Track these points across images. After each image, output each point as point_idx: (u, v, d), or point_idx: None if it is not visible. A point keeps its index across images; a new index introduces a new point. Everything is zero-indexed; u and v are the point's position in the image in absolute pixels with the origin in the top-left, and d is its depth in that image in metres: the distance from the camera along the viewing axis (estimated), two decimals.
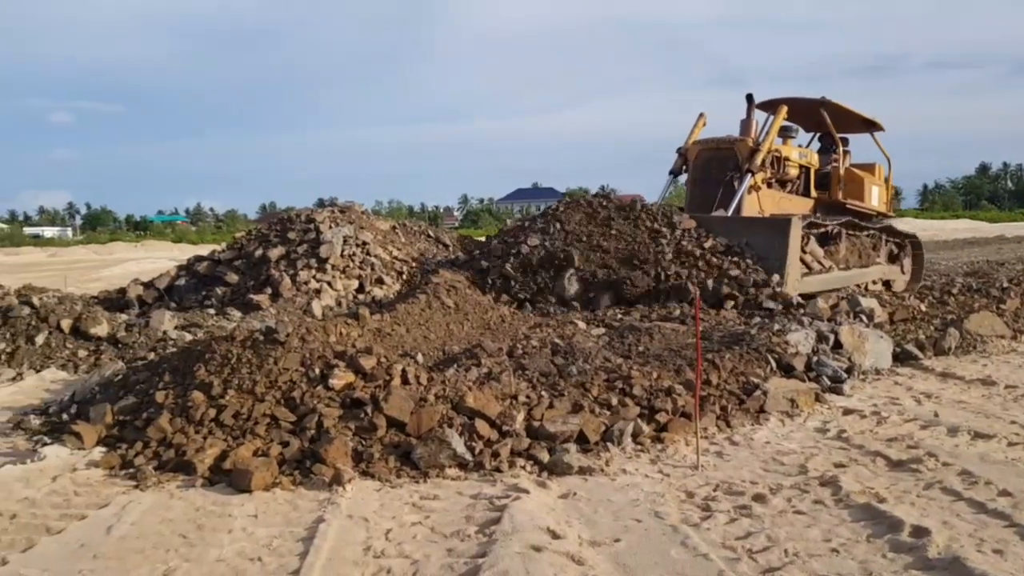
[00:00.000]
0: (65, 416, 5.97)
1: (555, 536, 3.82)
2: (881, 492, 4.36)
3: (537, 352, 6.70)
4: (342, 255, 11.23)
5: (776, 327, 7.86)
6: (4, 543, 3.89)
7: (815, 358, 7.17)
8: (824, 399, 6.46)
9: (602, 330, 8.50)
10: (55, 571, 3.55)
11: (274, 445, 4.95)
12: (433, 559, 3.65)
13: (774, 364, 6.84)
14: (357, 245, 11.53)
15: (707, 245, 10.50)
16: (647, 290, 10.09)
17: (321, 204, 14.18)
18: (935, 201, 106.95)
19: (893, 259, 13.94)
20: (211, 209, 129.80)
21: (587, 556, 3.63)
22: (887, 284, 13.35)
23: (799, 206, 13.43)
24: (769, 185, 12.86)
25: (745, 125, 12.88)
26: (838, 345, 7.60)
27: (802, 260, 10.82)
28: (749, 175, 11.97)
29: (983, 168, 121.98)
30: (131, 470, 4.90)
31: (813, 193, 14.01)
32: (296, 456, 4.86)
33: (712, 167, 12.60)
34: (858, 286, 12.14)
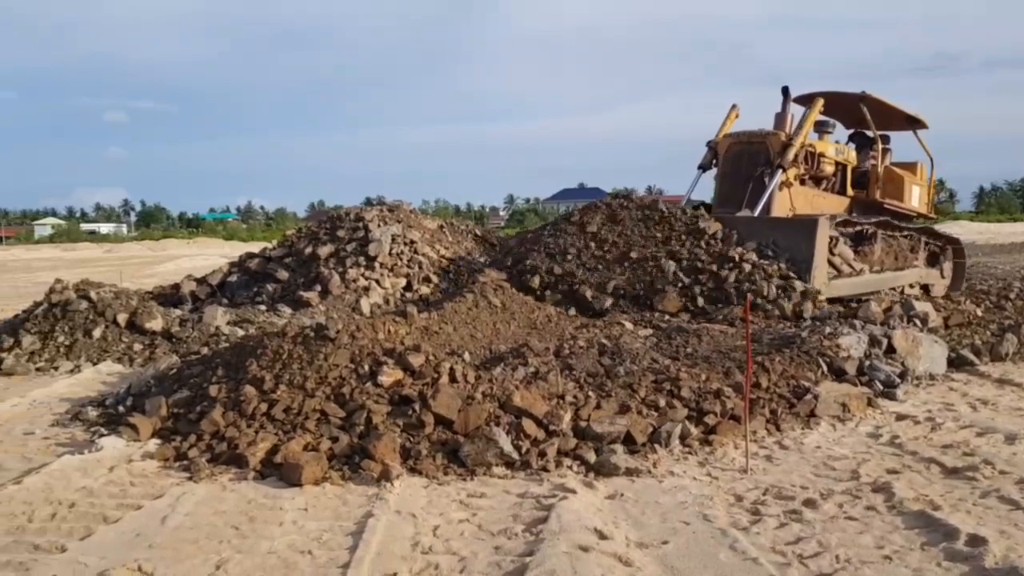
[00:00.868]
0: (121, 408, 6.11)
1: (602, 536, 3.81)
2: (936, 499, 4.27)
3: (584, 352, 6.69)
4: (390, 253, 11.31)
5: (828, 330, 7.74)
6: (63, 531, 3.99)
7: (867, 362, 7.06)
8: (876, 404, 6.35)
9: (649, 331, 8.45)
10: (112, 559, 3.63)
11: (324, 440, 5.01)
12: (480, 556, 3.67)
13: (825, 368, 6.75)
14: (405, 244, 11.60)
15: (738, 251, 10.08)
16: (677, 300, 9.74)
17: (369, 203, 14.29)
18: (991, 204, 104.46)
19: (933, 262, 13.33)
20: (261, 207, 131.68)
21: (634, 557, 3.61)
22: (925, 288, 12.73)
23: (833, 205, 12.96)
24: (802, 182, 12.37)
25: (779, 118, 12.38)
26: (891, 349, 7.46)
27: (830, 262, 10.40)
28: (780, 171, 11.51)
29: None
30: (185, 462, 5.00)
31: (850, 192, 13.46)
32: (345, 451, 4.91)
33: (743, 161, 12.15)
34: (892, 289, 11.59)
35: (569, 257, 10.72)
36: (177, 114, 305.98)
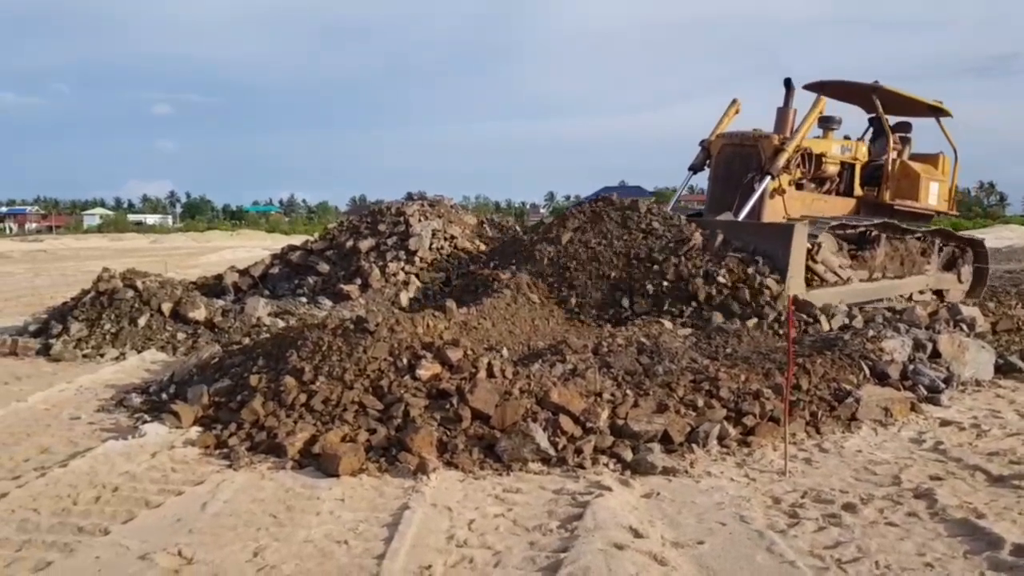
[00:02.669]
0: (164, 396, 6.21)
1: (637, 535, 3.79)
2: (980, 507, 4.18)
3: (623, 350, 6.66)
4: (430, 248, 11.37)
5: (871, 333, 7.62)
6: (107, 514, 4.07)
7: (911, 366, 6.93)
8: (920, 409, 6.23)
9: (688, 330, 8.39)
10: (153, 543, 3.70)
11: (361, 432, 5.05)
12: (515, 551, 3.67)
13: (868, 371, 6.64)
14: (445, 239, 11.64)
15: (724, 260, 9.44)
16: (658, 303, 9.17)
17: (410, 197, 14.28)
18: None
19: (950, 266, 12.56)
20: (303, 200, 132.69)
21: (670, 557, 3.59)
22: (939, 294, 12.03)
23: (836, 207, 12.04)
24: (799, 186, 11.56)
25: (781, 116, 11.49)
26: (936, 354, 7.32)
27: (813, 270, 9.75)
28: (768, 178, 10.73)
29: None
30: (225, 450, 5.08)
31: (857, 191, 12.45)
32: (383, 443, 4.95)
33: (734, 165, 11.30)
34: (902, 297, 10.99)
35: (546, 263, 10.01)
36: (223, 107, 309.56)
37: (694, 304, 8.98)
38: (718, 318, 8.68)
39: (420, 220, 11.82)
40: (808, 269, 9.66)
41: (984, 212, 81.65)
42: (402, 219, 11.89)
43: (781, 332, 8.09)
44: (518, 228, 13.18)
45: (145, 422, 5.62)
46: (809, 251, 9.64)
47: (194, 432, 5.41)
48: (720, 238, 9.71)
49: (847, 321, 8.81)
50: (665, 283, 9.27)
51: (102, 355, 8.21)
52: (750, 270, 9.16)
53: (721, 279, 9.10)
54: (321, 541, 3.77)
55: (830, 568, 3.51)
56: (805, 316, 8.81)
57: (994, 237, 39.69)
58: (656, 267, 9.49)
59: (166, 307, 9.01)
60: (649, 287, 9.28)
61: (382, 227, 11.83)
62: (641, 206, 10.61)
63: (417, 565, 3.51)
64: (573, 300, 9.43)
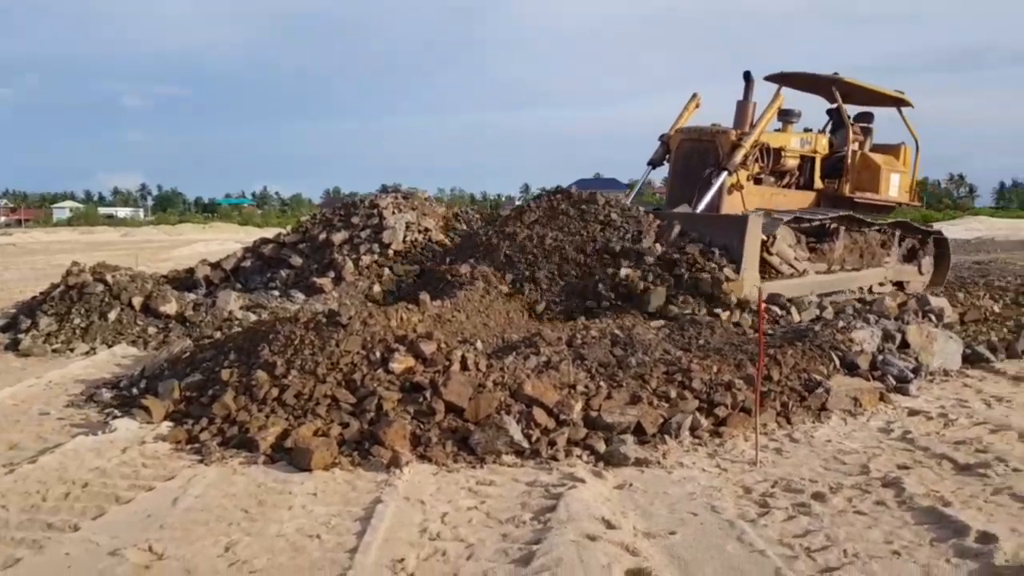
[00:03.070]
0: (135, 390, 6.16)
1: (610, 526, 3.82)
2: (946, 496, 4.25)
3: (596, 342, 6.68)
4: (404, 241, 11.34)
5: (841, 324, 7.70)
6: (76, 510, 4.03)
7: (880, 357, 7.02)
8: (889, 399, 6.32)
9: (662, 322, 8.43)
10: (123, 539, 3.67)
11: (334, 426, 5.03)
12: (488, 543, 3.68)
13: (837, 362, 6.71)
14: (419, 231, 11.62)
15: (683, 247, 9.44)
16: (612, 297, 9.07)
17: (384, 190, 14.24)
18: (1011, 199, 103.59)
19: (911, 258, 12.62)
20: (276, 193, 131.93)
21: (642, 547, 3.62)
22: (900, 286, 12.06)
23: (796, 201, 12.02)
24: (758, 181, 11.57)
25: (741, 109, 11.50)
26: (905, 344, 7.41)
27: (768, 262, 9.78)
28: (725, 173, 10.70)
29: None
30: (196, 445, 5.04)
31: (818, 184, 12.45)
32: (355, 437, 4.93)
33: (693, 160, 11.25)
34: (861, 289, 11.05)
35: (503, 258, 9.91)
36: (195, 99, 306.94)
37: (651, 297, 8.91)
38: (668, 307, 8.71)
39: (394, 213, 11.79)
40: (763, 261, 9.66)
41: (954, 204, 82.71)
42: (376, 212, 11.85)
43: (750, 325, 8.16)
44: (476, 220, 12.85)
45: (115, 417, 5.57)
46: (764, 243, 9.65)
47: (165, 427, 5.37)
48: (677, 229, 9.71)
49: (818, 312, 8.91)
50: (622, 277, 9.20)
51: (72, 350, 8.13)
52: (710, 264, 9.15)
53: (681, 269, 9.12)
54: (293, 535, 3.76)
55: (799, 557, 3.55)
56: (777, 309, 8.89)
57: (963, 229, 40.25)
58: (614, 260, 9.47)
59: (137, 301, 8.93)
60: (608, 281, 9.21)
61: (355, 220, 11.79)
62: (599, 198, 10.56)
63: (390, 559, 3.51)
64: (535, 295, 9.38)
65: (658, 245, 9.47)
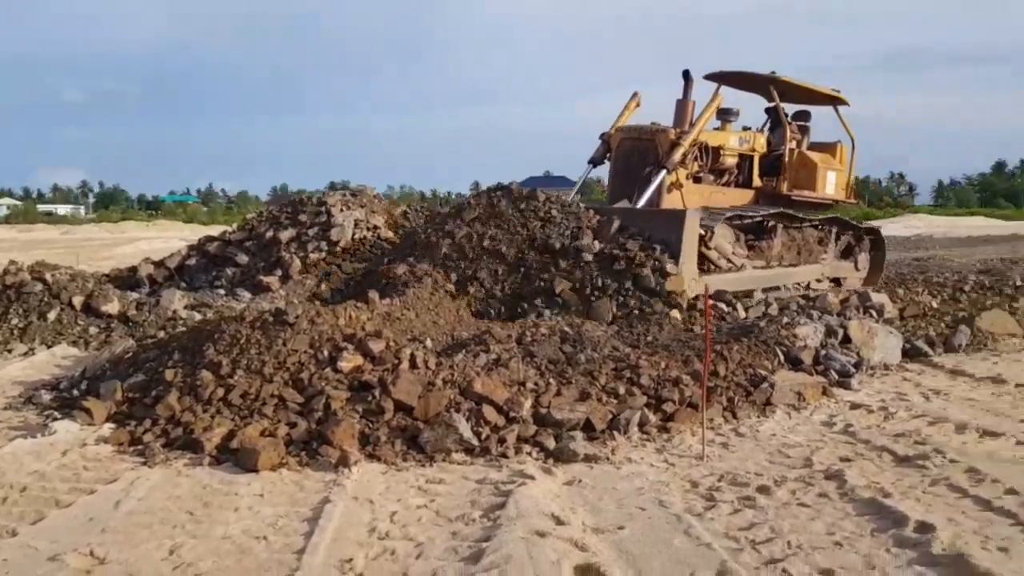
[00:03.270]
0: (76, 392, 6.02)
1: (559, 522, 3.84)
2: (886, 487, 4.35)
3: (546, 339, 6.71)
4: (353, 239, 11.25)
5: (785, 320, 7.85)
6: (15, 515, 3.93)
7: (823, 352, 7.16)
8: (831, 393, 6.45)
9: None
10: (64, 543, 3.59)
11: (281, 426, 4.98)
12: (437, 542, 3.67)
13: (782, 357, 6.83)
14: (368, 229, 11.54)
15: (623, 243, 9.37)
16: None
17: (333, 187, 14.12)
18: (949, 198, 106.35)
19: (847, 254, 12.80)
20: (222, 190, 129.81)
21: (590, 542, 3.64)
22: (837, 282, 12.22)
23: (734, 199, 12.11)
24: (698, 179, 11.65)
25: (680, 108, 11.61)
26: (847, 339, 7.58)
27: (706, 257, 9.86)
28: (664, 171, 10.75)
29: (999, 166, 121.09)
30: (139, 447, 4.95)
31: (756, 182, 12.56)
32: (303, 437, 4.89)
33: (633, 159, 11.34)
34: (799, 285, 11.20)
35: (443, 257, 9.78)
36: (139, 95, 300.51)
37: (596, 294, 8.93)
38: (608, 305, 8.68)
39: (342, 210, 11.69)
40: (701, 256, 9.71)
41: (894, 202, 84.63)
42: (324, 209, 11.73)
43: (687, 320, 8.29)
44: (410, 216, 12.73)
45: (55, 419, 5.42)
46: (702, 237, 9.70)
47: (107, 429, 5.26)
48: (616, 224, 9.70)
49: (764, 309, 9.06)
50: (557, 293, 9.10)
51: (9, 351, 7.91)
52: (650, 261, 9.14)
53: (619, 266, 9.10)
54: (239, 537, 3.71)
55: (744, 549, 3.61)
56: (723, 306, 9.00)
57: (903, 226, 41.28)
58: (553, 258, 9.41)
59: (77, 300, 8.73)
60: (544, 298, 9.09)
61: (303, 217, 11.66)
62: (540, 195, 10.48)
63: (338, 559, 3.48)
64: (481, 294, 9.32)
65: (596, 243, 9.45)
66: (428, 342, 6.59)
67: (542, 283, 9.18)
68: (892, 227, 38.89)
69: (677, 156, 10.82)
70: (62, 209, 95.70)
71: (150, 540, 3.67)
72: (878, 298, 9.53)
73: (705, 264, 9.80)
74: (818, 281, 11.75)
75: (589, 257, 9.27)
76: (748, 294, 9.85)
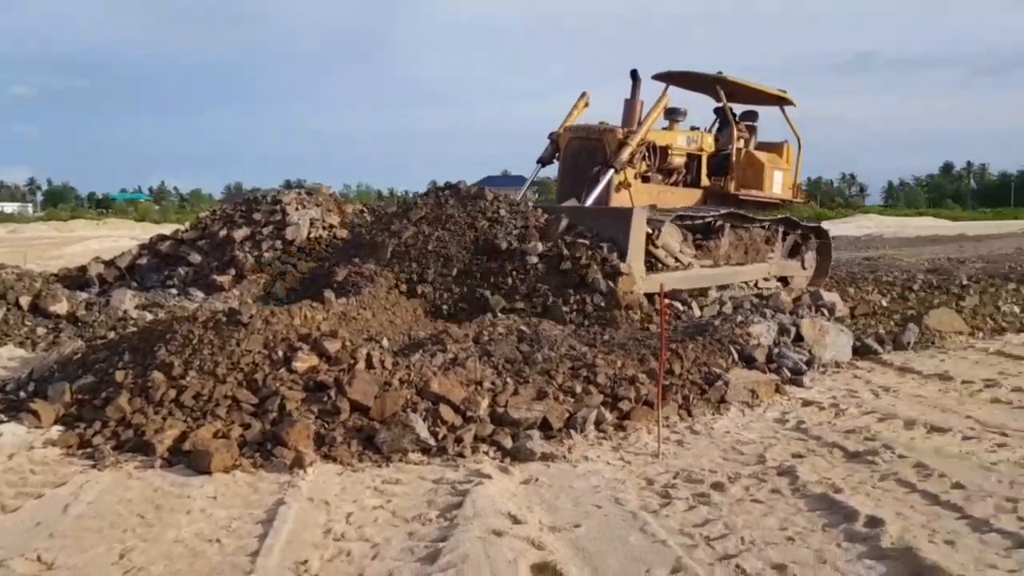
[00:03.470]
0: (22, 394, 5.87)
1: (516, 521, 3.84)
2: (837, 483, 4.42)
3: (503, 339, 6.71)
4: (308, 238, 11.15)
5: (739, 319, 7.94)
6: None
7: (776, 350, 7.27)
8: (784, 390, 6.54)
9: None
10: (9, 548, 3.51)
11: (235, 427, 4.91)
12: (394, 543, 3.65)
13: (736, 355, 6.92)
14: (324, 228, 11.45)
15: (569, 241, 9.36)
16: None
17: (288, 186, 13.95)
18: (899, 198, 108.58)
19: (794, 254, 12.88)
20: (175, 188, 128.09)
21: (547, 541, 3.65)
22: (784, 281, 12.31)
23: (682, 198, 12.16)
24: (646, 179, 11.69)
25: (628, 107, 11.72)
26: (799, 338, 7.69)
27: (654, 255, 9.81)
28: (611, 171, 10.79)
29: (947, 167, 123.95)
30: (89, 450, 4.85)
31: (704, 182, 12.64)
32: (257, 438, 4.83)
33: (581, 158, 11.36)
34: (746, 284, 11.30)
35: (390, 256, 9.68)
36: (88, 90, 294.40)
37: (539, 300, 8.87)
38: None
39: (297, 209, 11.58)
40: (649, 254, 9.72)
41: (846, 202, 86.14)
42: (279, 208, 11.61)
43: (654, 321, 8.32)
44: (366, 215, 12.55)
45: (1, 422, 5.29)
46: (650, 236, 9.72)
47: (55, 432, 5.15)
48: (564, 223, 9.66)
49: (719, 308, 9.16)
50: (515, 273, 9.12)
51: None
52: (596, 260, 9.11)
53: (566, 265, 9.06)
54: (192, 540, 3.66)
55: (699, 545, 3.64)
56: (679, 305, 9.07)
57: (855, 226, 42.04)
58: (498, 259, 9.35)
59: (24, 300, 8.53)
60: (502, 278, 9.13)
61: (258, 216, 11.52)
62: (487, 194, 10.45)
63: (293, 561, 3.45)
64: (431, 294, 9.22)
65: (540, 245, 9.35)
66: (385, 342, 6.56)
67: (488, 289, 9.09)
68: (844, 227, 39.66)
69: (625, 155, 10.86)
70: (9, 207, 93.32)
71: (100, 544, 3.60)
72: (829, 297, 9.69)
73: (653, 262, 9.80)
74: (765, 280, 11.85)
75: (535, 259, 9.21)
76: (703, 292, 9.94)
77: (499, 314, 8.59)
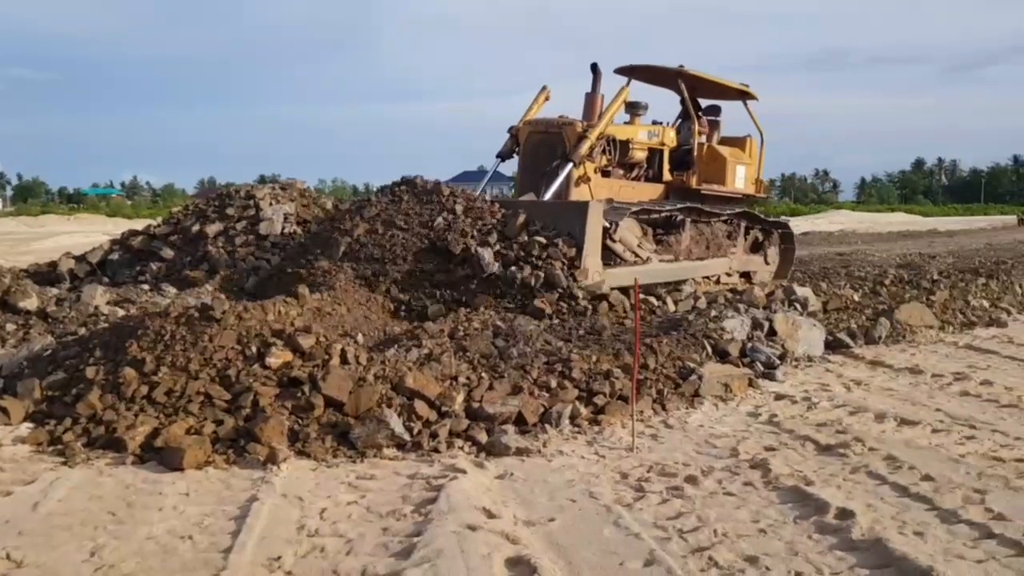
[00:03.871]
0: None
1: (490, 515, 3.85)
2: (809, 475, 4.47)
3: (479, 334, 6.71)
4: (282, 233, 11.07)
5: (713, 313, 8.00)
6: None
7: (750, 344, 7.32)
8: (757, 384, 6.60)
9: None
10: None
11: (208, 423, 4.88)
12: (368, 538, 3.65)
13: (710, 349, 6.97)
14: (298, 223, 11.37)
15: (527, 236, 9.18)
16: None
17: (263, 181, 13.85)
18: (871, 194, 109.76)
19: (757, 249, 12.82)
20: (147, 183, 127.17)
21: (521, 535, 3.66)
22: (747, 276, 12.28)
23: (643, 193, 11.99)
24: (606, 173, 11.52)
25: (589, 101, 11.54)
26: (772, 332, 7.76)
27: (611, 250, 9.90)
28: (570, 164, 10.62)
29: (918, 163, 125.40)
30: (59, 446, 4.80)
31: (666, 176, 12.47)
32: (230, 435, 4.80)
33: (540, 152, 11.14)
34: (707, 279, 11.27)
35: (343, 254, 9.35)
36: (58, 83, 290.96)
37: (512, 291, 8.69)
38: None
39: (271, 204, 11.49)
40: (606, 248, 9.58)
41: (819, 198, 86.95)
42: (252, 203, 11.50)
43: (628, 316, 8.34)
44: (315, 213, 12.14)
45: None
46: (607, 230, 9.58)
47: (24, 428, 5.08)
48: (522, 218, 9.45)
49: (694, 303, 9.21)
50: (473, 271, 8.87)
51: None
52: (552, 257, 8.91)
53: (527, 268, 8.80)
54: (164, 537, 3.63)
55: (672, 538, 3.67)
56: (653, 300, 9.08)
57: (827, 222, 42.39)
58: (455, 262, 9.05)
59: None
60: (449, 288, 8.85)
61: (231, 211, 11.41)
62: (444, 189, 10.14)
63: (266, 557, 3.43)
64: (392, 291, 8.91)
65: (491, 250, 9.03)
66: (359, 337, 6.53)
67: (432, 296, 8.83)
68: (817, 222, 40.02)
69: (584, 149, 10.72)
70: None
71: (70, 542, 3.56)
72: (802, 292, 9.77)
73: (610, 256, 9.66)
74: (727, 275, 11.81)
75: (488, 257, 8.92)
76: (678, 287, 9.95)
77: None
